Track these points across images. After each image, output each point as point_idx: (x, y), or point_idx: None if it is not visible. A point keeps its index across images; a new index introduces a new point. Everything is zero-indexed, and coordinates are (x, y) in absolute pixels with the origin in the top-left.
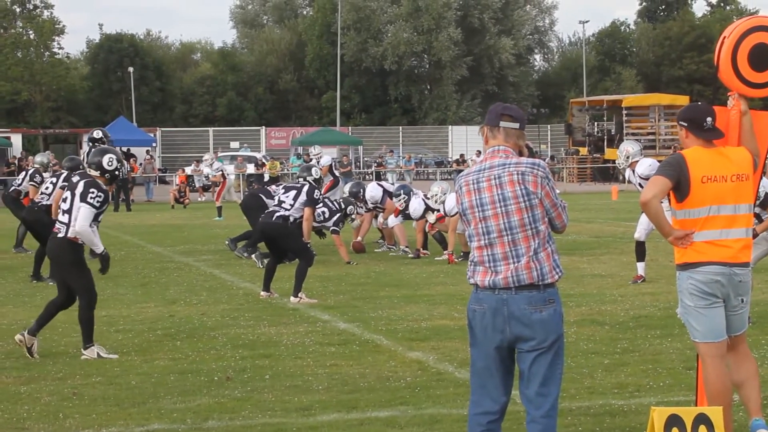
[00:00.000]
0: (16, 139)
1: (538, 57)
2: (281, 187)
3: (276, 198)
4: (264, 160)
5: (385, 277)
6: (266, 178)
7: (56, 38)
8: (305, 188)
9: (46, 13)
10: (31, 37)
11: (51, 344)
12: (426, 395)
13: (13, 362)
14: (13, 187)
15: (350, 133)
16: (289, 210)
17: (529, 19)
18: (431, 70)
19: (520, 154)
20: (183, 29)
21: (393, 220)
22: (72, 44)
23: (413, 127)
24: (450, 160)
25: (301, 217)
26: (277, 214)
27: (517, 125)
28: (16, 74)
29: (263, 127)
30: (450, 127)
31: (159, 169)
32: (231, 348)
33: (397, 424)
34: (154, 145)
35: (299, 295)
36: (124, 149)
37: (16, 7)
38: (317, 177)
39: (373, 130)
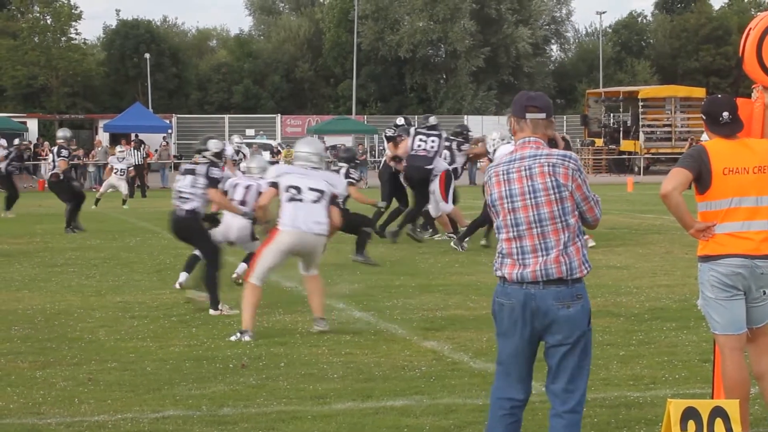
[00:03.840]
0: (33, 124)
1: (554, 47)
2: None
3: (174, 189)
4: (280, 148)
5: (400, 266)
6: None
7: (73, 23)
8: (199, 168)
9: None
10: (49, 22)
11: (66, 329)
12: (441, 385)
13: (29, 347)
14: (51, 172)
15: (366, 122)
16: (190, 199)
17: (547, 9)
18: (447, 59)
19: (551, 142)
20: (199, 16)
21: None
22: (89, 30)
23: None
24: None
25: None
26: (182, 207)
27: (543, 115)
28: (33, 59)
29: (279, 114)
30: (465, 116)
31: (174, 156)
32: None
33: (412, 413)
34: (169, 131)
35: (219, 307)
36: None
37: None
38: (217, 151)
39: (388, 119)
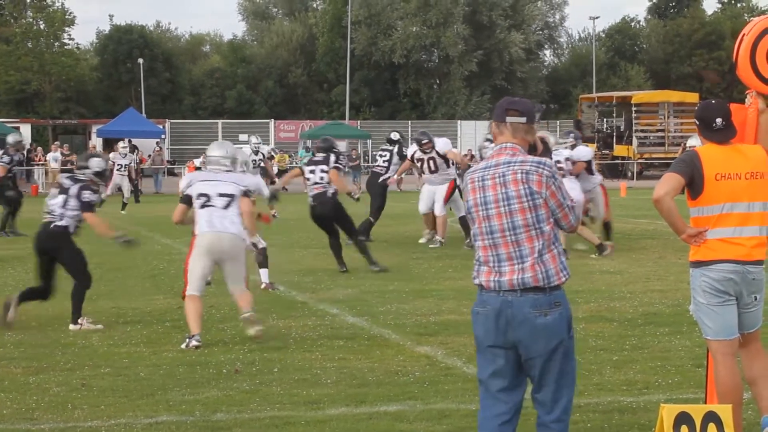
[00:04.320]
0: (26, 130)
1: (547, 53)
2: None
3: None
4: (273, 153)
5: (393, 271)
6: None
7: (66, 29)
8: (72, 189)
9: (56, 3)
10: (42, 27)
11: (60, 335)
12: (434, 390)
13: (22, 352)
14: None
15: (359, 127)
16: (60, 219)
17: (540, 14)
18: (440, 64)
19: (532, 148)
20: (193, 21)
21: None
22: (82, 35)
23: (422, 121)
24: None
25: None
26: (54, 223)
27: (524, 119)
28: (26, 64)
29: (272, 120)
30: (459, 122)
31: (168, 161)
32: (239, 341)
33: (406, 418)
34: (163, 136)
35: (79, 321)
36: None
37: None
38: (98, 170)
39: (382, 124)
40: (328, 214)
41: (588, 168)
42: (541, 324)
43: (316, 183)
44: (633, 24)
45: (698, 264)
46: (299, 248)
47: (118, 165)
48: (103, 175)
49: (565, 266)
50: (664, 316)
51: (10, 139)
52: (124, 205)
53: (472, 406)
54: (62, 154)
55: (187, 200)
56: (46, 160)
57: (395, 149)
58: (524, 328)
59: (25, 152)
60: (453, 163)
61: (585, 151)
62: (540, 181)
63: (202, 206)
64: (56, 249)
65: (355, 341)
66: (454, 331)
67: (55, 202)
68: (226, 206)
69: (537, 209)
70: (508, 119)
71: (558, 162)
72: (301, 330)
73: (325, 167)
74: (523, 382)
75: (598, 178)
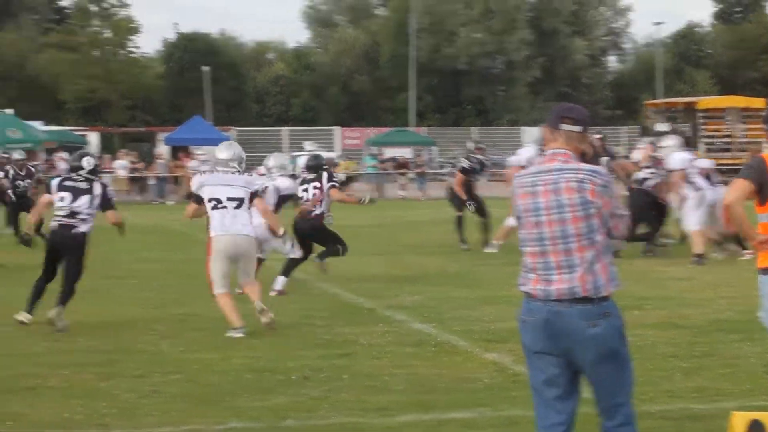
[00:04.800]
0: (94, 138)
1: (612, 58)
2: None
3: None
4: (338, 161)
5: (460, 277)
6: (341, 177)
7: (132, 37)
8: (98, 188)
9: (122, 12)
10: (108, 35)
11: (129, 342)
12: (503, 397)
13: (92, 358)
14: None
15: (424, 134)
16: (87, 220)
17: (603, 20)
18: (504, 71)
19: (583, 157)
20: (257, 29)
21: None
22: (148, 43)
23: (486, 128)
24: None
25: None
26: (77, 227)
27: (579, 128)
28: (93, 73)
29: (337, 127)
30: (523, 128)
31: None
32: (308, 347)
33: (475, 425)
34: None
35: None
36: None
37: (92, 5)
38: (91, 168)
39: (446, 131)
40: (308, 233)
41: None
42: (590, 335)
43: (308, 201)
44: (698, 29)
45: (767, 271)
46: (365, 255)
47: (201, 171)
48: (97, 173)
49: (615, 276)
50: (734, 323)
51: (17, 155)
52: None
53: None
54: (130, 161)
55: (198, 199)
56: (113, 168)
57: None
58: (573, 338)
59: (27, 170)
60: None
61: (680, 159)
62: (594, 190)
63: (214, 208)
64: (74, 250)
65: (423, 348)
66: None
67: (80, 204)
68: (237, 207)
69: (589, 219)
70: (563, 127)
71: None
72: (368, 337)
73: (317, 184)
74: (577, 389)
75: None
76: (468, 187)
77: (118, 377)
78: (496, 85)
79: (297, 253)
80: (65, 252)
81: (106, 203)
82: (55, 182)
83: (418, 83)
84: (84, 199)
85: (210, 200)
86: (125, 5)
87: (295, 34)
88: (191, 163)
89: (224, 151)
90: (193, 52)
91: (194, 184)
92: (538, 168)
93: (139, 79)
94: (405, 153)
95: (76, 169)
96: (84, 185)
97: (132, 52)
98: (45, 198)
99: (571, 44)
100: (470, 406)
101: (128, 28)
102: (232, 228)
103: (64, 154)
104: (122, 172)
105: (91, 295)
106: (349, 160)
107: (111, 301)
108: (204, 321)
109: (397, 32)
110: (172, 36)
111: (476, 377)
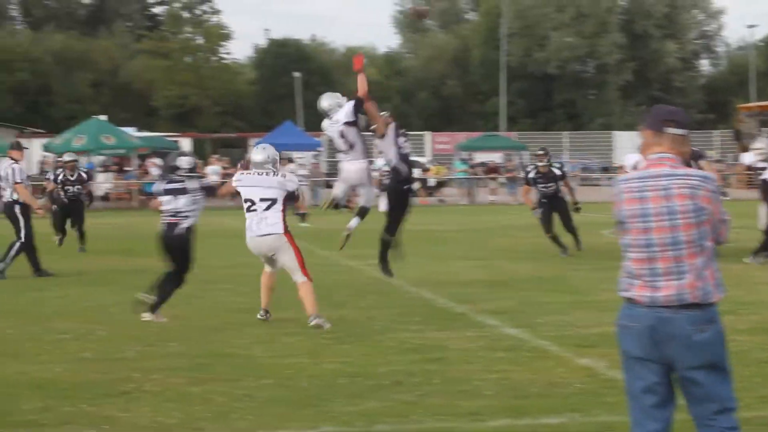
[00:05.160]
0: (186, 144)
1: (704, 62)
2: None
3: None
4: (429, 165)
5: (552, 282)
6: (432, 183)
7: (223, 44)
8: (194, 185)
9: (213, 18)
10: (200, 42)
11: (221, 346)
12: (596, 402)
13: (185, 363)
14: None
15: (515, 138)
16: (189, 216)
17: (696, 23)
18: (595, 74)
19: (685, 161)
20: (347, 34)
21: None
22: (239, 50)
23: (578, 132)
24: (615, 166)
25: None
26: (181, 225)
27: (683, 131)
28: (185, 79)
29: (428, 132)
30: (615, 132)
31: (325, 173)
32: (399, 352)
33: (568, 430)
34: (320, 149)
35: (156, 313)
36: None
37: (184, 12)
38: (190, 167)
39: (537, 135)
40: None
41: None
42: (698, 340)
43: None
44: None
45: None
46: (457, 260)
47: (300, 176)
48: (195, 171)
49: (722, 283)
50: None
51: (66, 157)
52: (304, 216)
53: None
54: (222, 167)
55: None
56: (206, 174)
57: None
58: (680, 344)
59: (78, 174)
60: None
61: None
62: (707, 196)
63: (248, 210)
64: (183, 247)
65: (515, 353)
66: (615, 342)
67: (181, 202)
68: (267, 208)
69: (701, 225)
70: (668, 130)
71: None
72: (460, 341)
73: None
74: (674, 397)
75: None
76: (544, 194)
77: (211, 381)
78: (588, 89)
79: (381, 205)
80: (173, 249)
81: (209, 191)
82: (158, 186)
83: (509, 88)
84: (185, 198)
85: (245, 201)
86: (217, 12)
87: (386, 39)
88: (290, 166)
89: (258, 154)
90: (284, 58)
91: (234, 179)
92: (643, 173)
93: (231, 85)
94: (495, 158)
95: (174, 169)
96: (183, 184)
97: (223, 59)
98: (155, 203)
99: (663, 47)
100: (562, 411)
101: (220, 35)
102: (257, 230)
103: (157, 160)
104: (214, 178)
105: (183, 301)
106: (439, 165)
107: (202, 306)
108: (295, 326)
109: (487, 37)
110: (263, 42)
111: (568, 382)
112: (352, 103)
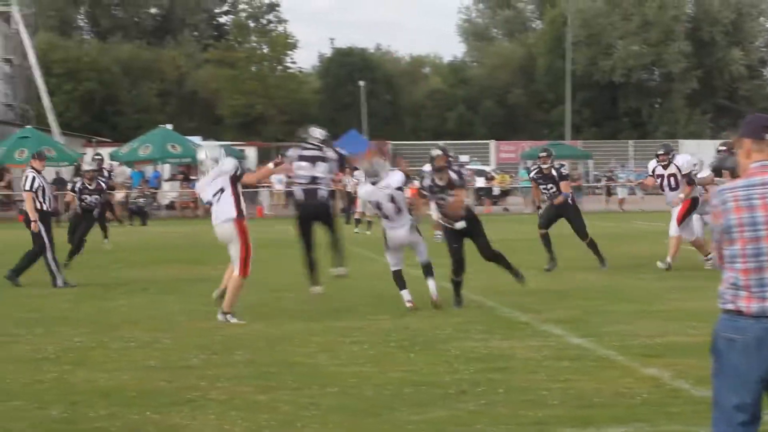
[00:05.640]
0: (251, 152)
1: None
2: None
3: (304, 172)
4: (494, 174)
5: (617, 291)
6: (496, 192)
7: (289, 53)
8: (329, 154)
9: (279, 28)
10: (265, 51)
11: (287, 355)
12: (662, 412)
13: (251, 371)
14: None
15: (580, 147)
16: (327, 186)
17: (763, 30)
18: (661, 83)
19: None
20: (412, 43)
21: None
22: (304, 59)
23: (643, 141)
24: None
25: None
26: (321, 191)
27: None
28: (251, 88)
29: (493, 141)
30: (680, 141)
31: None
32: (464, 361)
33: None
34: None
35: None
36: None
37: (250, 22)
38: (324, 138)
39: (602, 144)
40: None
41: None
42: None
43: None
44: None
45: None
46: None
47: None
48: (328, 143)
49: None
50: None
51: (86, 166)
52: (369, 223)
53: (700, 429)
54: (286, 176)
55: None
56: (270, 183)
57: None
58: None
59: (97, 183)
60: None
61: None
62: None
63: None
64: (326, 212)
65: (580, 362)
66: (680, 352)
67: (321, 169)
68: (219, 200)
69: None
70: None
71: None
72: (525, 351)
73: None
74: (761, 413)
75: None
76: (547, 195)
77: (277, 390)
78: (653, 98)
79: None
80: (317, 217)
81: (341, 164)
82: (293, 152)
83: (574, 96)
84: (322, 166)
85: (206, 203)
86: (283, 21)
87: (451, 48)
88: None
89: (200, 154)
90: (348, 67)
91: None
92: (748, 181)
93: (296, 94)
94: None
95: (303, 140)
96: (318, 153)
97: (289, 68)
98: (285, 166)
99: (729, 55)
100: (628, 421)
101: (285, 44)
102: (215, 220)
103: None
104: (279, 186)
105: (251, 309)
106: (504, 174)
107: (269, 314)
108: (361, 334)
109: (553, 45)
110: (328, 51)
111: (634, 392)
112: (401, 174)
